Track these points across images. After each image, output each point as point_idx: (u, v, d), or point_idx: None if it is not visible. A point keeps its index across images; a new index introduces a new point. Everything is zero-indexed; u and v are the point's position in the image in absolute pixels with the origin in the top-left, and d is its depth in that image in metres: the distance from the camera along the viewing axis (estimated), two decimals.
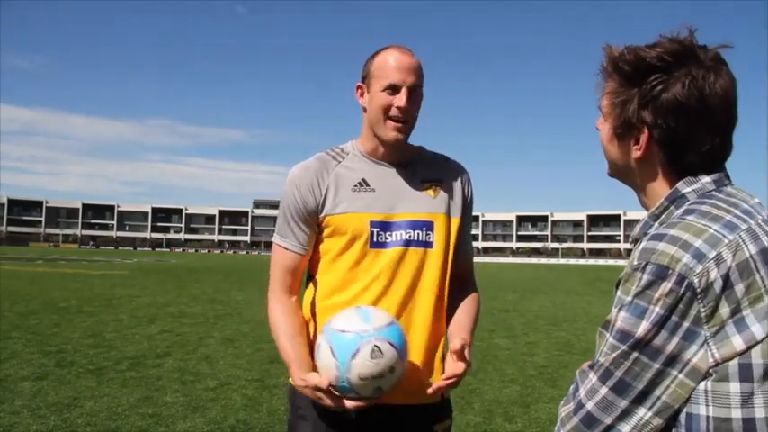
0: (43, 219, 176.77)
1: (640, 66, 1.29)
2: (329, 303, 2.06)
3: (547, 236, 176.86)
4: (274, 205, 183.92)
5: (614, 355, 1.18)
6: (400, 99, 2.00)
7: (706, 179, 1.29)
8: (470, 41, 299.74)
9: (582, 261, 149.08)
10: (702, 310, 1.14)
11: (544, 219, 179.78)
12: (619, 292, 1.23)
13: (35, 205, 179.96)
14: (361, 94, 2.12)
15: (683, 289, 1.14)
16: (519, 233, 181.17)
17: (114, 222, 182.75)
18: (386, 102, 2.01)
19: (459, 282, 2.22)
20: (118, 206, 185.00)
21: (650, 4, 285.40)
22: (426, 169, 2.16)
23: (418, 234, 2.07)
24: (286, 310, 2.08)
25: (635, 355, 1.16)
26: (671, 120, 1.26)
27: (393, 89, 2.00)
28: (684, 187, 1.29)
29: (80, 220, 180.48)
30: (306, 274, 2.19)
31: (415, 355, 2.01)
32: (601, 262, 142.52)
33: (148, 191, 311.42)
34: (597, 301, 20.43)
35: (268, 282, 2.16)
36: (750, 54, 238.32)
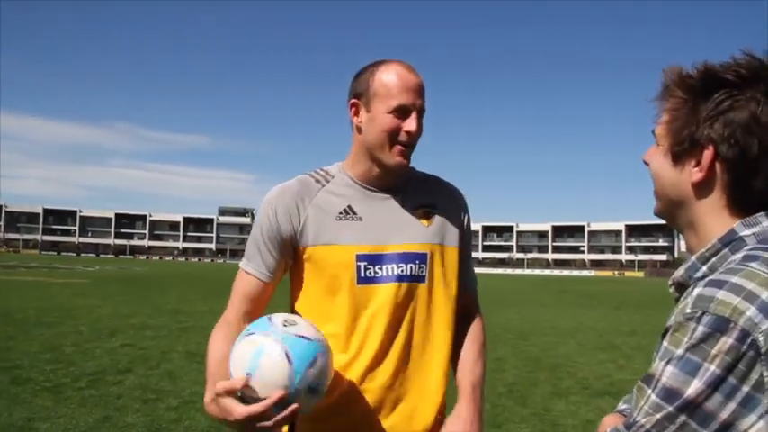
0: (2, 224, 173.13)
1: (710, 78, 1.17)
2: None
3: (512, 246, 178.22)
4: (240, 213, 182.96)
5: (658, 416, 1.03)
6: (410, 123, 1.82)
7: (767, 222, 1.16)
8: (435, 49, 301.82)
9: (547, 271, 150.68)
10: (766, 373, 1.00)
11: (509, 229, 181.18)
12: (665, 343, 1.08)
13: None
14: (356, 113, 1.90)
15: (744, 347, 1.00)
16: (485, 243, 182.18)
17: (77, 228, 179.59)
18: (393, 125, 1.82)
19: (463, 313, 2.06)
20: (80, 211, 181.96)
21: (645, 5, 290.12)
22: (419, 194, 1.98)
23: (411, 268, 1.88)
24: (229, 336, 1.82)
25: (682, 418, 1.01)
26: (742, 137, 1.13)
27: (402, 112, 1.82)
28: (743, 229, 1.16)
29: (41, 226, 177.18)
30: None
31: (410, 394, 1.87)
32: (566, 272, 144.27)
33: (111, 196, 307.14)
34: (564, 314, 20.52)
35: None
36: None
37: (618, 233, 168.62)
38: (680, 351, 1.04)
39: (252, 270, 1.93)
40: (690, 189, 1.21)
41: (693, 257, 1.20)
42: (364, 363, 1.84)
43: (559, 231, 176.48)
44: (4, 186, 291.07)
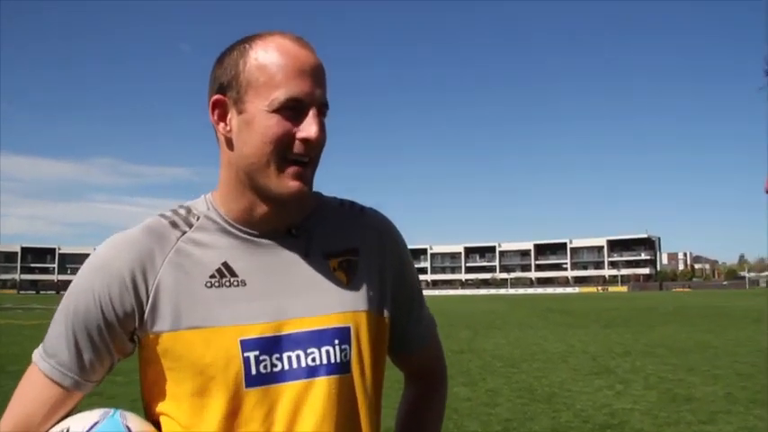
0: None
1: None
2: None
3: (495, 266, 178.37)
4: None
5: None
6: (308, 126, 1.18)
7: None
8: (415, 58, 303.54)
9: (531, 290, 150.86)
10: None
11: (492, 249, 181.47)
12: None
13: None
14: (222, 116, 1.24)
15: None
16: (467, 264, 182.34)
17: (56, 266, 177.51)
18: (281, 131, 1.17)
19: (421, 377, 1.53)
20: (59, 249, 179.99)
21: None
22: (330, 234, 1.32)
23: (328, 353, 1.23)
24: None
25: None
26: None
27: (294, 109, 1.18)
28: None
29: (19, 264, 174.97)
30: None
31: None
32: (549, 290, 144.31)
33: (95, 232, 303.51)
34: (553, 336, 19.99)
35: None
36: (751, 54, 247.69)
37: (600, 249, 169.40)
38: None
39: (49, 370, 1.22)
40: None
41: None
42: None
43: (542, 249, 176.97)
44: None
